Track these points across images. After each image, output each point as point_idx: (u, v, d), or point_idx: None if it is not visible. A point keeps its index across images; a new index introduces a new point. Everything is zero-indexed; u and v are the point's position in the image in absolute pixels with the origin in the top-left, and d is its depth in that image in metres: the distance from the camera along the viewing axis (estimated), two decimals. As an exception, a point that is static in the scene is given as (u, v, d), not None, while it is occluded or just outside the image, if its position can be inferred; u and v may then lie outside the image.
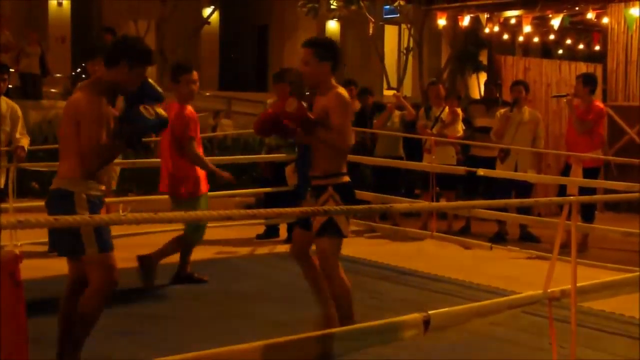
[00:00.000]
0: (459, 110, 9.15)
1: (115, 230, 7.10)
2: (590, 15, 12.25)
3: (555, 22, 12.54)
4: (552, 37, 15.23)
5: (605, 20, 11.71)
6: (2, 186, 6.81)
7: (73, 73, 16.92)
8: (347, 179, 4.42)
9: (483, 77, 19.54)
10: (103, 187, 4.00)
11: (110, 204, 7.39)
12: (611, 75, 11.04)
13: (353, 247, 7.83)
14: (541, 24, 13.87)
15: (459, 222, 9.10)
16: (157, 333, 4.82)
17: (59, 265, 4.54)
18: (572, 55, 17.42)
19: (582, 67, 10.96)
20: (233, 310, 5.42)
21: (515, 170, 8.29)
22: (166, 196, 6.16)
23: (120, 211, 7.77)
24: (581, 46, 17.08)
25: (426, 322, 3.03)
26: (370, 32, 15.62)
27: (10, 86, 14.36)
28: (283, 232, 7.94)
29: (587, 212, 7.74)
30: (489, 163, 8.42)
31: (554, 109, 10.62)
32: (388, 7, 19.46)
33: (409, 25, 15.78)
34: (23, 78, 14.90)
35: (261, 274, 6.62)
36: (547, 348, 4.09)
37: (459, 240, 7.89)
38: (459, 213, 8.64)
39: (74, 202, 3.78)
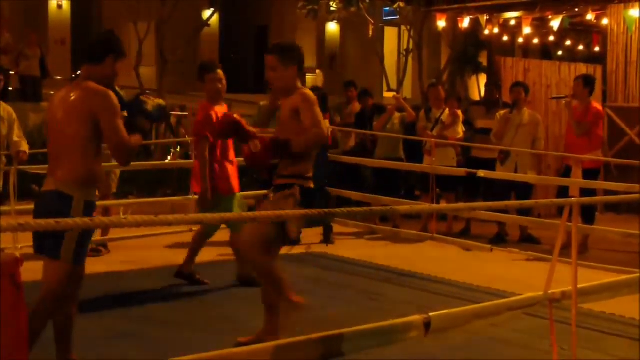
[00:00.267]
0: (459, 112, 9.15)
1: (115, 233, 7.17)
2: (590, 16, 12.25)
3: (555, 23, 12.54)
4: (551, 38, 15.22)
5: (605, 21, 11.72)
6: (1, 189, 6.82)
7: (73, 75, 16.90)
8: (312, 184, 4.43)
9: (483, 78, 19.57)
10: (97, 193, 4.00)
11: (111, 207, 7.39)
12: (611, 77, 11.04)
13: (353, 249, 7.85)
14: (541, 26, 13.87)
15: (459, 223, 9.10)
16: (158, 335, 4.82)
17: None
18: (572, 56, 17.41)
19: (582, 69, 10.96)
20: (234, 312, 5.42)
21: (516, 172, 8.29)
22: (165, 198, 6.16)
23: (121, 214, 7.77)
24: (581, 47, 17.08)
25: (427, 324, 3.04)
26: (370, 33, 15.62)
27: (10, 88, 14.40)
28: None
29: (588, 214, 7.73)
30: (490, 164, 8.42)
31: (553, 110, 10.61)
32: (388, 8, 19.46)
33: (408, 27, 15.76)
34: (23, 80, 14.91)
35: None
36: (547, 349, 4.08)
37: (459, 242, 7.88)
38: (459, 215, 8.64)
39: (72, 207, 3.72)
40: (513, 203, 6.45)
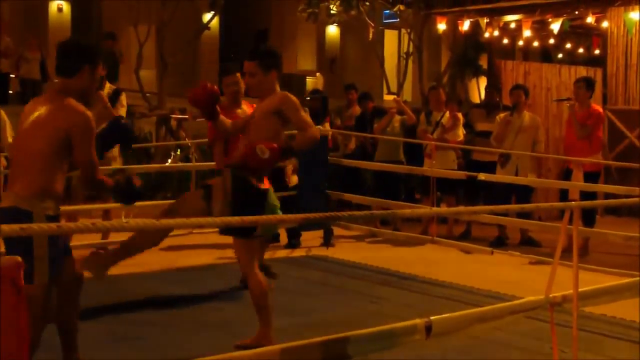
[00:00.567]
0: (460, 115, 9.15)
1: (116, 236, 7.16)
2: (590, 19, 12.25)
3: (555, 26, 12.55)
4: (552, 41, 15.23)
5: (605, 24, 11.72)
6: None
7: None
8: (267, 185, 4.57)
9: (483, 81, 19.55)
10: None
11: (112, 211, 7.39)
12: (611, 79, 11.05)
13: (354, 252, 7.85)
14: (541, 28, 13.88)
15: (460, 226, 9.10)
16: (158, 339, 4.81)
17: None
18: (572, 59, 17.44)
19: (582, 71, 10.96)
20: (234, 315, 5.41)
21: (516, 175, 8.28)
22: (166, 202, 6.16)
23: (123, 217, 7.78)
24: (581, 50, 17.09)
25: (428, 328, 3.03)
26: (370, 37, 15.61)
27: (10, 92, 14.40)
28: (283, 237, 7.94)
29: (588, 216, 7.74)
30: (490, 167, 8.42)
31: (554, 113, 10.62)
32: (388, 12, 19.46)
33: (408, 30, 15.75)
34: (23, 83, 14.90)
35: (262, 279, 6.61)
36: (548, 352, 4.08)
37: (459, 245, 7.88)
38: (459, 218, 8.64)
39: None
40: (514, 207, 6.44)
